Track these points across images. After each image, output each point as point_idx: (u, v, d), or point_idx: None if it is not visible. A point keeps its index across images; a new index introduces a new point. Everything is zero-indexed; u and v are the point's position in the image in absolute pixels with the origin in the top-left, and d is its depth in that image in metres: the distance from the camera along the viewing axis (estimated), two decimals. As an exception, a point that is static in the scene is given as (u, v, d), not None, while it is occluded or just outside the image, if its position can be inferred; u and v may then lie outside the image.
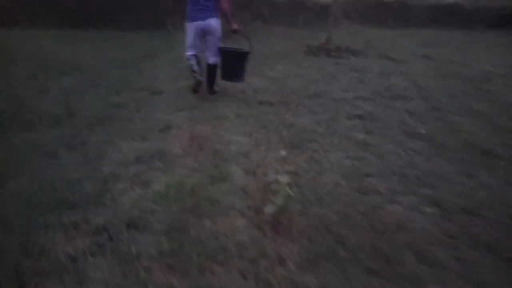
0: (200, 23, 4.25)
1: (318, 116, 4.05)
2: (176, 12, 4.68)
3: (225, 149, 3.20)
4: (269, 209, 2.16)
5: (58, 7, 9.22)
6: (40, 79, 5.13)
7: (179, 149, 3.17)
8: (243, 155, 3.09)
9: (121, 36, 8.44)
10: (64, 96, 4.46)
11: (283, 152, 3.02)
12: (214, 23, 4.28)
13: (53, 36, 8.12)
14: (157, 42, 7.91)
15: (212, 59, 4.49)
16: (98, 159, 2.95)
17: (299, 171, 2.80)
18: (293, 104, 4.39)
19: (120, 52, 6.96)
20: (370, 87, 5.18)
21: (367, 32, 9.80)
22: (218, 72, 4.56)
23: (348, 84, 5.32)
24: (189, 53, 4.40)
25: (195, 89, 4.63)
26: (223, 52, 4.39)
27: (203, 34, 4.35)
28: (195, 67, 4.39)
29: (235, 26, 4.33)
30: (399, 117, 4.09)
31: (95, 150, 3.11)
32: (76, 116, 3.89)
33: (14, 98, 4.33)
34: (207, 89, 4.62)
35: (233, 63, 4.40)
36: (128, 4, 9.45)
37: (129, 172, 2.76)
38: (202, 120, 3.88)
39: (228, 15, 4.34)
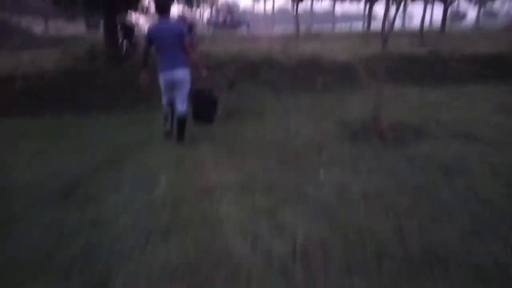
0: (167, 73, 4.48)
1: None
2: (148, 65, 4.70)
3: None
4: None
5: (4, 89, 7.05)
6: None
7: None
8: None
9: (83, 124, 6.16)
10: None
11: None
12: (182, 73, 4.50)
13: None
14: (131, 130, 5.62)
15: (180, 109, 4.68)
16: None
17: None
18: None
19: (73, 157, 4.59)
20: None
21: (408, 95, 7.62)
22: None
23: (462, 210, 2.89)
24: (163, 102, 4.81)
25: (165, 138, 4.91)
26: (194, 95, 4.67)
27: (172, 84, 4.55)
28: (166, 118, 4.88)
29: (204, 73, 4.62)
30: None
31: None
32: None
33: None
34: (176, 137, 4.80)
35: (204, 106, 4.74)
36: (94, 81, 7.32)
37: None
38: None
39: (196, 64, 4.61)
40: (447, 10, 20.79)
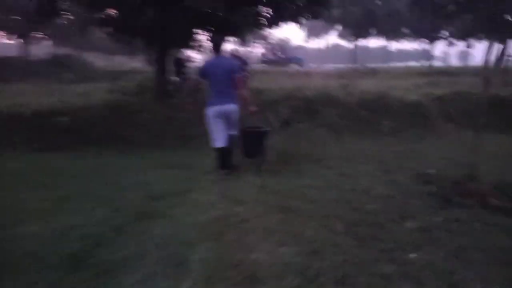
0: (219, 107, 4.54)
1: None
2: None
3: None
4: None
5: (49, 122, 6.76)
6: None
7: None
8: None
9: (121, 166, 5.56)
10: None
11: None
12: (233, 107, 4.59)
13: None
14: (171, 176, 4.90)
15: (233, 131, 4.72)
16: None
17: None
18: None
19: (100, 207, 3.91)
20: None
21: (502, 145, 6.31)
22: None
23: None
24: (217, 145, 4.67)
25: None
26: (245, 133, 4.81)
27: (224, 116, 4.58)
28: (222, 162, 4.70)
29: (253, 108, 4.71)
30: None
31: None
32: None
33: None
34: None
35: (255, 142, 4.85)
36: (139, 117, 6.85)
37: None
38: None
39: (247, 99, 4.71)
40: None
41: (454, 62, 63.22)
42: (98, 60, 28.97)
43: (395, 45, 65.08)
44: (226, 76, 4.53)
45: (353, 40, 20.13)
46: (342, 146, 6.30)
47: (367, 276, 2.48)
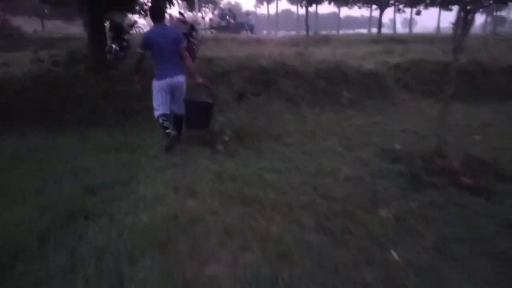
0: (168, 80, 4.37)
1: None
2: (141, 71, 4.57)
3: None
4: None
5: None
6: None
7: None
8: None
9: (49, 150, 4.72)
10: None
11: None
12: (181, 79, 4.48)
13: None
14: (110, 161, 4.19)
15: (180, 111, 4.66)
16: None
17: None
18: None
19: (22, 204, 3.17)
20: None
21: (456, 114, 6.21)
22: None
23: None
24: (159, 112, 4.43)
25: (171, 145, 4.45)
26: (189, 104, 4.62)
27: (171, 90, 4.45)
28: (168, 125, 4.43)
29: (200, 80, 4.51)
30: None
31: None
32: None
33: None
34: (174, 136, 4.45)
35: (198, 114, 4.66)
36: (71, 91, 5.93)
37: None
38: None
39: (192, 71, 4.55)
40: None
41: (400, 29, 64.93)
42: (27, 26, 25.97)
43: (343, 12, 65.38)
44: (171, 47, 4.35)
45: (304, 5, 19.54)
46: (300, 120, 5.88)
47: (348, 286, 2.09)
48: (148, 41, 4.33)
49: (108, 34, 8.33)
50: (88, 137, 5.16)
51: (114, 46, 8.29)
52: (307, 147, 4.65)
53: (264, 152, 4.45)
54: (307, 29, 18.73)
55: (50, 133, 5.33)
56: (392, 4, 27.60)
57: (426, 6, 24.40)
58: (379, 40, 21.44)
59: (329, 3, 22.63)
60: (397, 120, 6.09)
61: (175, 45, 4.35)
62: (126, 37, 9.00)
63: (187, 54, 4.56)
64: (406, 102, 7.13)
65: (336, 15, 68.97)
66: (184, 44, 4.56)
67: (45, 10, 30.96)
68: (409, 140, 5.05)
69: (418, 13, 25.54)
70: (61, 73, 6.68)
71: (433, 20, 64.16)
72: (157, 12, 4.47)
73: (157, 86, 4.38)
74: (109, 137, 5.18)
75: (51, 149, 4.74)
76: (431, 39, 21.90)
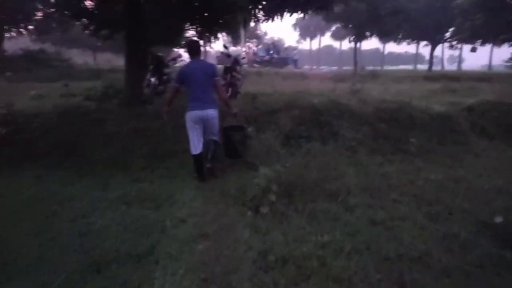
0: (198, 112, 4.37)
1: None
2: (172, 104, 4.64)
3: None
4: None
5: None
6: None
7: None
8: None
9: (63, 200, 4.00)
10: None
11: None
12: (212, 112, 4.42)
13: None
14: (131, 222, 3.37)
15: (214, 137, 4.56)
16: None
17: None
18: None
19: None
20: None
21: None
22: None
23: None
24: (195, 152, 4.40)
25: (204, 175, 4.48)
26: (223, 131, 4.77)
27: (203, 122, 4.42)
28: (198, 167, 4.46)
29: (234, 110, 4.64)
30: None
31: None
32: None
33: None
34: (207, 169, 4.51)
35: (234, 140, 4.81)
36: (100, 128, 5.33)
37: None
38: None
39: (226, 102, 4.64)
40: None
41: (447, 66, 62.56)
42: (78, 57, 27.19)
43: (387, 48, 64.23)
44: (206, 81, 4.41)
45: (352, 41, 18.80)
46: (361, 172, 4.84)
47: None
48: (182, 74, 4.43)
49: (149, 68, 7.89)
50: (111, 185, 4.42)
51: (153, 79, 7.79)
52: (377, 213, 3.60)
53: (321, 219, 3.46)
54: (355, 64, 17.86)
55: (70, 177, 4.66)
56: (445, 41, 26.26)
57: (483, 43, 22.85)
58: (431, 77, 20.14)
59: (380, 39, 21.76)
60: (479, 173, 4.90)
61: (209, 79, 4.41)
62: (166, 70, 8.53)
63: (222, 88, 4.69)
64: (486, 152, 5.90)
65: (378, 51, 68.04)
66: (219, 78, 4.66)
67: (98, 43, 32.46)
68: (507, 205, 3.87)
69: (474, 49, 24.02)
70: (92, 108, 6.15)
71: (479, 57, 61.42)
72: (192, 46, 4.61)
73: (188, 118, 4.42)
74: (134, 185, 4.42)
75: (67, 199, 4.03)
76: (487, 77, 20.29)
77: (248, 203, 3.57)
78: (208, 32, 9.21)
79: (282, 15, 7.61)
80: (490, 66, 46.52)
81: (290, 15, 7.72)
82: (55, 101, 6.49)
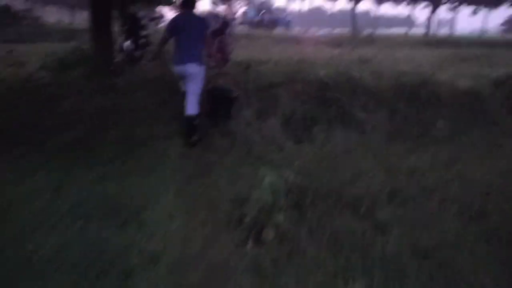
0: (179, 68, 4.26)
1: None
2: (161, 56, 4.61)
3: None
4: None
5: None
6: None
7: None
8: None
9: (11, 204, 2.98)
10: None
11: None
12: (192, 68, 4.20)
13: None
14: (95, 235, 2.40)
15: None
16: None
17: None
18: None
19: None
20: None
21: None
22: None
23: None
24: (188, 112, 4.23)
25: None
26: (208, 92, 4.49)
27: (185, 77, 4.27)
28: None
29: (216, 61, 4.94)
30: None
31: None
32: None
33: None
34: (186, 141, 4.19)
35: (219, 106, 4.53)
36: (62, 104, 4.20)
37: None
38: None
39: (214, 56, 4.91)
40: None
41: (436, 30, 60.91)
42: (54, 15, 25.03)
43: (379, 10, 62.08)
44: (197, 35, 4.24)
45: (352, 2, 17.35)
46: (383, 167, 3.90)
47: None
48: (174, 24, 4.27)
49: (121, 29, 6.61)
50: (66, 186, 3.39)
51: (127, 43, 6.54)
52: (419, 237, 2.69)
53: (346, 245, 2.53)
54: (354, 28, 16.58)
55: (13, 174, 3.60)
56: (448, 1, 24.83)
57: (486, 6, 21.58)
58: (433, 42, 19.01)
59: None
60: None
61: (201, 34, 4.26)
62: (144, 32, 7.25)
63: (209, 43, 4.56)
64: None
65: (369, 14, 65.98)
66: (208, 34, 4.45)
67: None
68: None
69: (475, 12, 22.77)
70: (47, 81, 4.97)
71: (465, 22, 59.93)
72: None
73: (175, 72, 4.32)
74: (96, 186, 3.40)
75: (8, 205, 3.02)
76: (491, 43, 19.26)
77: (247, 225, 2.60)
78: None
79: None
80: (483, 30, 45.34)
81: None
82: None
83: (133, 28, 6.88)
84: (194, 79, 4.23)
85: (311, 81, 5.23)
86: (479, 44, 18.02)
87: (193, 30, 4.22)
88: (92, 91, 4.81)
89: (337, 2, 53.52)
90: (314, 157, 3.71)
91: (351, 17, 17.79)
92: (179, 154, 3.98)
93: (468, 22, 57.70)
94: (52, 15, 26.59)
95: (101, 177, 3.62)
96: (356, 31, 21.82)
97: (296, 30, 26.44)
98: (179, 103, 4.30)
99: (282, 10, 26.51)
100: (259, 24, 23.56)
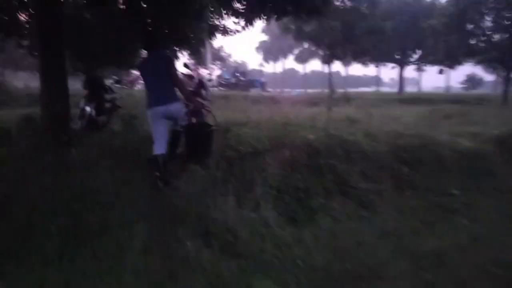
0: (159, 109, 4.06)
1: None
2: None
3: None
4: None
5: None
6: None
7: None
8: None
9: None
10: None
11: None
12: (174, 108, 4.12)
13: None
14: None
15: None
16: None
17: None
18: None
19: None
20: None
21: None
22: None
23: None
24: (157, 152, 3.97)
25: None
26: (186, 130, 4.38)
27: (166, 119, 4.11)
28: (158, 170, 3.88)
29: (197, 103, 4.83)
30: None
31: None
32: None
33: None
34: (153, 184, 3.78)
35: (198, 142, 4.40)
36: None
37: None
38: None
39: (188, 97, 4.49)
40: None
41: (406, 88, 64.17)
42: (23, 81, 24.38)
43: (345, 71, 65.18)
44: (162, 73, 4.09)
45: (325, 62, 17.69)
46: (399, 251, 3.12)
47: None
48: (140, 70, 4.34)
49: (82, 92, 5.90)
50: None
51: (88, 108, 5.80)
52: None
53: None
54: (330, 87, 16.68)
55: None
56: (415, 62, 25.97)
57: (452, 65, 22.61)
58: (407, 99, 19.36)
59: (354, 60, 20.87)
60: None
61: (166, 71, 4.12)
62: (110, 96, 6.55)
63: (181, 81, 4.43)
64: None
65: (338, 74, 69.06)
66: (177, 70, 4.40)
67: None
68: None
69: (441, 71, 23.87)
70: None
71: (431, 80, 64.31)
72: (148, 39, 4.46)
73: (150, 115, 4.12)
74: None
75: None
76: (460, 99, 19.81)
77: None
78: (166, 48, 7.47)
79: (268, 16, 6.24)
80: (448, 88, 47.90)
81: (278, 19, 6.38)
82: None
83: (94, 91, 6.18)
84: (175, 118, 4.21)
85: (299, 146, 4.56)
86: (450, 101, 18.46)
87: (160, 69, 4.11)
88: (38, 169, 3.94)
89: (308, 64, 55.89)
90: (319, 250, 2.89)
91: (328, 77, 18.04)
92: (141, 247, 3.09)
93: (431, 80, 61.60)
94: (21, 81, 25.93)
95: (42, 280, 2.68)
96: (331, 90, 22.12)
97: (271, 90, 26.77)
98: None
99: (257, 71, 27.02)
100: (234, 85, 23.67)
